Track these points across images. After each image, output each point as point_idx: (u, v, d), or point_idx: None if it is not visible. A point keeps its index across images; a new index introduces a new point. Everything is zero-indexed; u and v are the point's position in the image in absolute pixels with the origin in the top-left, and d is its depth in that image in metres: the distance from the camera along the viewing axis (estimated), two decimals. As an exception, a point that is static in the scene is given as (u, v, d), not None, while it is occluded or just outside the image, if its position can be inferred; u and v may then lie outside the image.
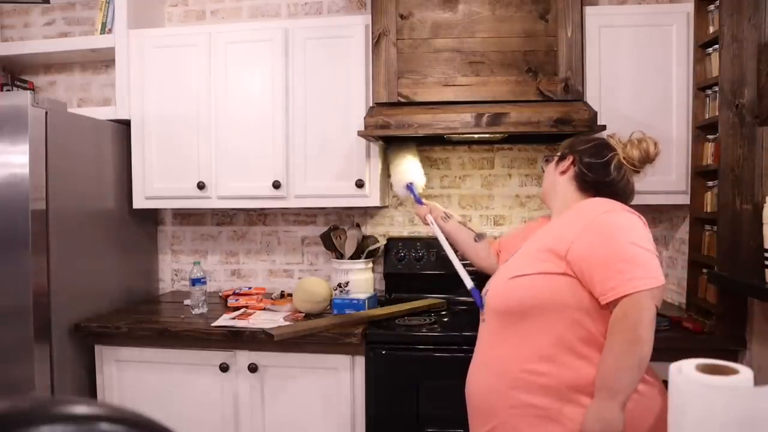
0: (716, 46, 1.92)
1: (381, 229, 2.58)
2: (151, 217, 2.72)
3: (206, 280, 2.30)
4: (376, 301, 2.26)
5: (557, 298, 1.26)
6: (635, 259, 1.21)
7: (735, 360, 1.77)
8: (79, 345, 2.10)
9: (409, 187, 1.96)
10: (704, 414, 0.67)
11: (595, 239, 1.26)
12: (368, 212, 2.60)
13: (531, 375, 1.25)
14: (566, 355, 1.23)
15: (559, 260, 1.28)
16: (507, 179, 2.53)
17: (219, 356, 2.02)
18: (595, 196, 1.42)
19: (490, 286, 1.43)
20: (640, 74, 2.11)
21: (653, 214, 2.44)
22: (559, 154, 1.53)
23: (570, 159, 1.48)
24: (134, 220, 2.54)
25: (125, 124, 2.43)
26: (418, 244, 2.45)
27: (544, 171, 1.58)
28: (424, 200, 1.90)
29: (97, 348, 2.11)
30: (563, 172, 1.48)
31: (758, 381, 0.68)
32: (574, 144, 1.52)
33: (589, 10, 2.13)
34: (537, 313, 1.27)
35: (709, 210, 2.02)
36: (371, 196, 2.26)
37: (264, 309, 2.25)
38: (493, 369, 1.33)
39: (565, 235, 1.31)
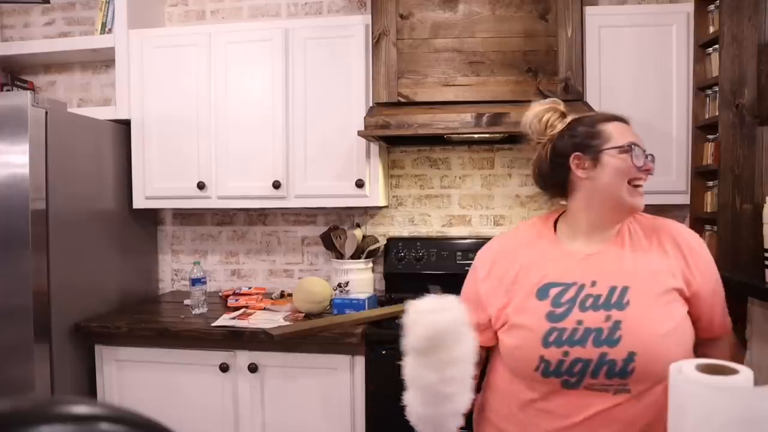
0: (716, 46, 1.92)
1: (381, 229, 2.58)
2: (151, 217, 2.72)
3: (206, 280, 2.30)
4: (376, 301, 2.26)
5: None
6: None
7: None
8: (79, 345, 2.10)
9: None
10: (704, 414, 0.67)
11: (711, 265, 1.12)
12: (368, 212, 2.60)
13: None
14: None
15: (684, 299, 1.07)
16: (507, 179, 2.53)
17: (219, 356, 2.02)
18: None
19: (638, 344, 1.00)
20: (640, 74, 2.11)
21: (653, 214, 2.43)
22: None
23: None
24: (134, 220, 2.54)
25: (125, 124, 2.43)
26: (418, 244, 2.45)
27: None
28: None
29: (97, 348, 2.11)
30: None
31: (758, 381, 0.68)
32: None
33: (589, 10, 2.13)
34: None
35: (709, 210, 2.02)
36: (371, 196, 2.26)
37: (264, 309, 2.25)
38: None
39: (673, 264, 1.08)
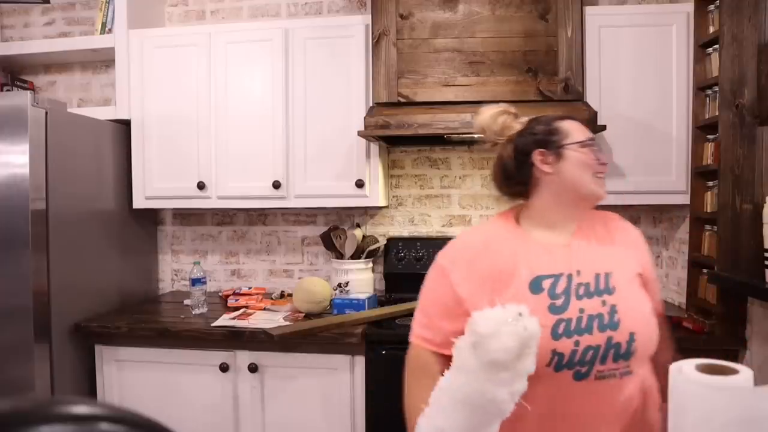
0: (716, 46, 1.92)
1: (381, 229, 2.58)
2: (151, 217, 2.72)
3: (206, 280, 2.30)
4: (376, 301, 2.26)
5: None
6: None
7: (735, 360, 1.77)
8: (79, 345, 2.10)
9: None
10: (704, 414, 0.67)
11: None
12: (368, 212, 2.60)
13: None
14: None
15: (641, 283, 1.15)
16: (507, 179, 2.53)
17: (219, 356, 2.02)
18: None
19: (635, 324, 1.06)
20: (640, 74, 2.11)
21: (653, 213, 2.44)
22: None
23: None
24: (134, 220, 2.54)
25: (125, 124, 2.43)
26: (418, 244, 2.45)
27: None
28: None
29: (97, 348, 2.11)
30: None
31: (758, 381, 0.68)
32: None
33: (589, 10, 2.13)
34: None
35: (709, 210, 2.02)
36: (371, 196, 2.26)
37: (264, 309, 2.25)
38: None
39: (630, 252, 1.18)
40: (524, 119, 1.19)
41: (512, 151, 1.17)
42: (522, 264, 1.09)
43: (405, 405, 1.12)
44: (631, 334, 1.04)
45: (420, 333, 1.11)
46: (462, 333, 0.96)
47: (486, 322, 0.86)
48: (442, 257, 1.14)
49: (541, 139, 1.13)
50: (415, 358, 1.12)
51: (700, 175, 2.06)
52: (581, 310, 1.04)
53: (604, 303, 1.06)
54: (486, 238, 1.15)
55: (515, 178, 1.17)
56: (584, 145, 1.12)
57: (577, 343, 1.02)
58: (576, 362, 1.02)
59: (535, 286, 1.07)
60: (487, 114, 1.18)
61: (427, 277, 1.14)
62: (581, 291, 1.07)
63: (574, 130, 1.14)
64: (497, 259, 1.10)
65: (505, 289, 1.07)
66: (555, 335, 1.02)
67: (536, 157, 1.12)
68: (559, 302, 1.05)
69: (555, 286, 1.07)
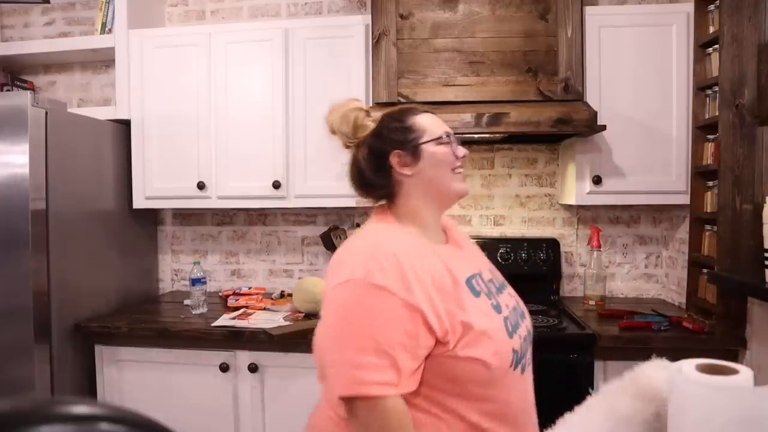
0: (716, 46, 1.92)
1: (381, 229, 2.58)
2: (151, 217, 2.72)
3: (206, 280, 2.30)
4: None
5: None
6: None
7: (735, 360, 1.77)
8: (79, 345, 2.10)
9: None
10: (704, 414, 0.67)
11: None
12: (368, 212, 2.60)
13: None
14: None
15: None
16: (507, 179, 2.53)
17: (219, 356, 2.02)
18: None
19: (523, 327, 1.07)
20: (640, 74, 2.11)
21: (653, 213, 2.44)
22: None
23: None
24: (134, 220, 2.54)
25: (125, 124, 2.43)
26: (418, 244, 2.45)
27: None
28: None
29: (97, 348, 2.11)
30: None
31: (758, 381, 0.68)
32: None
33: (589, 10, 2.13)
34: None
35: (709, 210, 2.02)
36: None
37: (264, 309, 2.25)
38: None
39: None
40: (377, 115, 1.10)
41: (367, 155, 1.07)
42: (451, 269, 0.99)
43: None
44: (531, 324, 1.12)
45: (383, 378, 0.87)
46: (416, 360, 0.89)
47: (660, 382, 0.81)
48: (383, 281, 0.90)
49: (397, 138, 1.06)
50: (391, 412, 0.88)
51: (700, 175, 2.06)
52: (507, 306, 1.06)
53: (510, 296, 1.12)
54: (407, 248, 0.97)
55: (375, 184, 1.08)
56: (442, 141, 1.06)
57: (520, 337, 1.03)
58: (522, 356, 1.02)
59: (472, 288, 1.00)
60: (336, 114, 1.09)
61: (366, 310, 0.90)
62: (494, 288, 1.08)
63: (430, 126, 1.08)
64: (430, 267, 0.96)
65: (454, 297, 0.96)
66: (510, 334, 1.00)
67: (394, 159, 1.05)
68: (494, 301, 1.03)
69: (480, 287, 1.04)
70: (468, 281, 1.01)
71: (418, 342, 0.90)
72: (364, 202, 1.13)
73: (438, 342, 0.92)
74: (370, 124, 1.08)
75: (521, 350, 1.02)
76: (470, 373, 0.93)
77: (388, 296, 0.90)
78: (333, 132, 1.10)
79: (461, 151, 1.09)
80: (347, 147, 1.11)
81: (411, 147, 1.05)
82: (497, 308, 1.02)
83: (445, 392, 0.94)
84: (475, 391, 0.94)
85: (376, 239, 1.01)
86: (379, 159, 1.06)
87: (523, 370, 1.03)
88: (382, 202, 1.11)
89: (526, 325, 1.08)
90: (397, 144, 1.05)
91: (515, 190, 2.53)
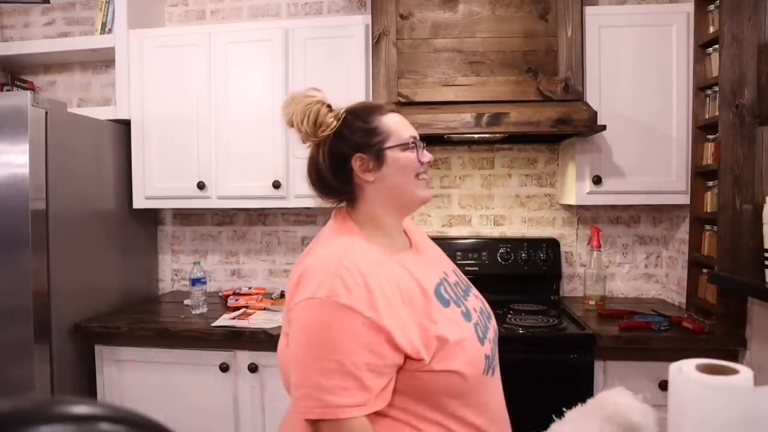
0: (716, 46, 1.92)
1: (381, 229, 2.58)
2: (151, 217, 2.72)
3: (206, 280, 2.30)
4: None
5: None
6: None
7: (735, 360, 1.77)
8: (79, 345, 2.10)
9: None
10: (704, 414, 0.67)
11: None
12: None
13: None
14: None
15: None
16: (507, 179, 2.53)
17: (219, 356, 2.02)
18: None
19: (491, 330, 1.05)
20: (640, 74, 2.11)
21: (653, 214, 2.44)
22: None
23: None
24: (134, 220, 2.54)
25: (125, 124, 2.43)
26: (418, 244, 2.45)
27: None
28: None
29: (97, 348, 2.11)
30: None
31: (758, 381, 0.68)
32: None
33: (589, 10, 2.13)
34: None
35: (709, 210, 2.02)
36: (371, 196, 2.26)
37: (264, 309, 2.25)
38: None
39: None
40: (340, 111, 1.03)
41: (328, 156, 1.00)
42: (417, 279, 0.96)
43: None
44: (496, 325, 1.08)
45: (352, 401, 0.83)
46: (384, 378, 0.86)
47: (639, 415, 0.83)
48: (347, 300, 0.85)
49: (359, 141, 1.00)
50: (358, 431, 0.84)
51: (700, 175, 2.06)
52: (474, 310, 1.03)
53: (476, 297, 1.09)
54: (373, 262, 0.93)
55: (334, 187, 1.02)
56: (408, 147, 1.01)
57: (490, 342, 1.01)
58: (492, 360, 1.00)
59: (440, 298, 0.97)
60: (296, 106, 1.01)
61: (329, 331, 0.85)
62: (460, 291, 1.05)
63: (396, 128, 1.02)
64: (398, 280, 0.92)
65: (425, 310, 0.92)
66: (481, 340, 0.97)
67: (355, 163, 0.99)
68: (463, 308, 1.00)
69: (448, 293, 1.00)
70: (437, 290, 0.98)
71: (385, 361, 0.86)
72: (323, 203, 1.07)
73: (409, 358, 0.88)
74: (332, 122, 1.00)
75: (491, 354, 1.00)
76: (446, 385, 0.91)
77: (353, 316, 0.85)
78: (291, 125, 1.01)
79: (426, 156, 1.04)
80: (305, 143, 1.03)
81: (374, 151, 0.99)
82: (467, 315, 0.99)
83: (420, 403, 0.92)
84: (451, 401, 0.93)
85: (342, 252, 0.92)
86: (340, 161, 1.00)
87: (493, 373, 1.00)
88: (342, 204, 1.06)
89: (492, 326, 1.06)
90: (360, 147, 0.99)
91: (515, 190, 2.53)
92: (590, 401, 0.88)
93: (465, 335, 0.94)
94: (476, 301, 1.08)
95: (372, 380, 0.85)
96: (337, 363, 0.84)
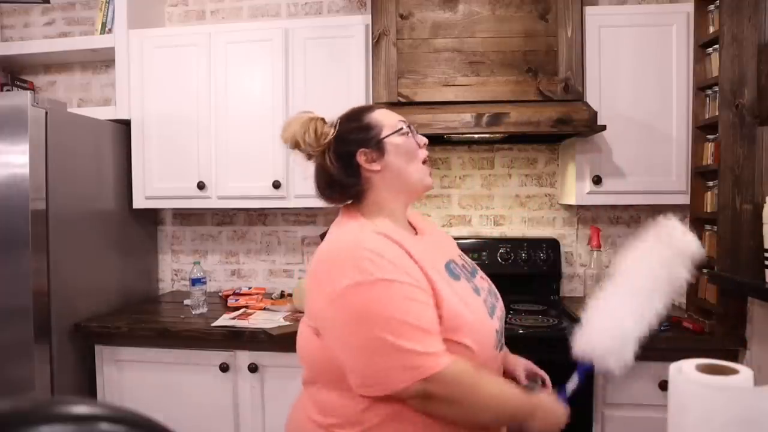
0: (716, 46, 1.92)
1: (381, 229, 2.58)
2: (151, 217, 2.72)
3: (206, 280, 2.30)
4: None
5: None
6: None
7: (735, 360, 1.77)
8: (79, 345, 2.10)
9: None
10: (704, 414, 0.67)
11: None
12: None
13: None
14: None
15: None
16: (507, 179, 2.53)
17: (219, 356, 2.02)
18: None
19: (499, 308, 1.13)
20: (640, 74, 2.11)
21: (653, 213, 2.43)
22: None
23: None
24: (134, 220, 2.54)
25: (125, 124, 2.43)
26: (418, 244, 2.45)
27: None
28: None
29: (97, 348, 2.11)
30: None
31: (758, 381, 0.68)
32: None
33: (589, 10, 2.13)
34: None
35: (709, 210, 2.02)
36: (371, 196, 2.26)
37: (264, 309, 2.25)
38: None
39: None
40: (334, 120, 1.12)
41: (334, 159, 1.09)
42: (430, 258, 1.04)
43: (481, 407, 0.96)
44: (501, 303, 1.16)
45: (433, 349, 0.92)
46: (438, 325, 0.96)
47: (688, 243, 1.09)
48: (390, 275, 0.94)
49: (359, 138, 1.09)
50: (462, 374, 0.93)
51: (700, 175, 2.06)
52: (482, 288, 1.12)
53: (483, 278, 1.17)
54: (390, 243, 1.01)
55: (347, 185, 1.10)
56: (402, 132, 1.10)
57: (498, 319, 1.10)
58: (501, 336, 1.10)
59: (451, 272, 1.07)
60: (296, 126, 1.09)
61: (378, 304, 0.93)
62: (467, 272, 1.14)
63: (386, 119, 1.11)
64: (417, 257, 1.01)
65: (444, 281, 1.02)
66: (491, 315, 1.07)
67: (360, 158, 1.08)
68: (472, 285, 1.09)
69: (458, 270, 1.10)
70: (447, 266, 1.08)
71: (434, 312, 0.96)
72: (326, 204, 1.16)
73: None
74: (330, 131, 1.10)
75: (501, 330, 1.09)
76: (463, 358, 0.97)
77: (393, 285, 0.94)
78: (296, 145, 1.10)
79: (422, 138, 1.14)
80: (310, 158, 1.12)
81: (374, 143, 1.09)
82: (476, 291, 1.08)
83: None
84: None
85: (356, 233, 1.04)
86: (347, 160, 1.09)
87: (501, 350, 1.11)
88: (348, 203, 1.14)
89: (500, 306, 1.14)
90: (361, 143, 1.09)
91: (515, 190, 2.53)
92: (651, 230, 1.10)
93: (474, 307, 1.03)
94: (483, 281, 1.15)
95: (435, 324, 0.95)
96: (404, 324, 0.92)
